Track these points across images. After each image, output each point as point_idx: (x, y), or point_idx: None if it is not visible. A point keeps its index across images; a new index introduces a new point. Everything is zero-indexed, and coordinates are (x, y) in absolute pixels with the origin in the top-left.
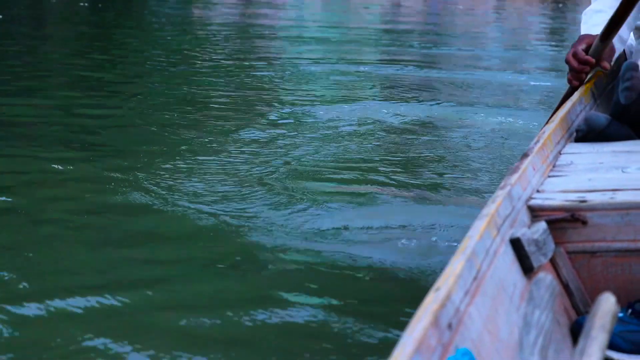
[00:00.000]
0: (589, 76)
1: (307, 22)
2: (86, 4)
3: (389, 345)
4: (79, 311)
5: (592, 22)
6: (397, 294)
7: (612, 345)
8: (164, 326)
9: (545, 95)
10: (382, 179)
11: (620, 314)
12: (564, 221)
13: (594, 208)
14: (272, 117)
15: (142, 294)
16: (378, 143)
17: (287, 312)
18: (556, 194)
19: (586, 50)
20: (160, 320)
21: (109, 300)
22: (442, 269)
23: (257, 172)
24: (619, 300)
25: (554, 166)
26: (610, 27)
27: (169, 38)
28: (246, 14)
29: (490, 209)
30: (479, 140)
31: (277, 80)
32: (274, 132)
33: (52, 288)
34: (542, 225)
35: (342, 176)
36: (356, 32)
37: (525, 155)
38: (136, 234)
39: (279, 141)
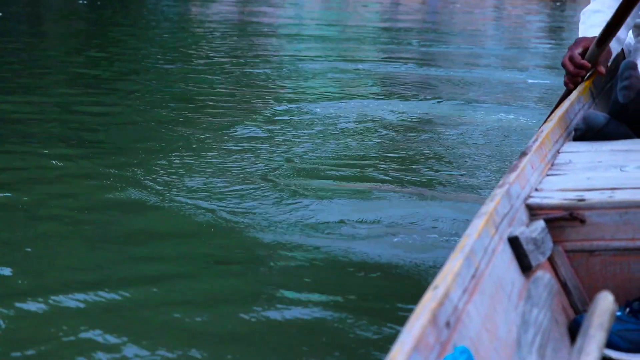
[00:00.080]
0: (587, 75)
1: (306, 20)
2: (85, 2)
3: (388, 341)
4: (78, 307)
5: (590, 22)
6: (395, 290)
7: (610, 343)
8: (162, 322)
9: (544, 93)
10: (380, 175)
11: (619, 313)
12: (563, 220)
13: (592, 207)
14: (270, 114)
15: (141, 290)
16: (376, 140)
17: (285, 308)
18: (554, 192)
19: (582, 54)
20: (159, 316)
21: (107, 296)
22: (440, 266)
23: (256, 168)
24: (617, 299)
25: (552, 165)
26: (607, 33)
27: (166, 36)
28: (245, 11)
29: (488, 207)
30: (478, 137)
31: (275, 77)
32: (273, 129)
33: (50, 284)
34: (540, 223)
35: (340, 173)
36: (355, 30)
37: (523, 154)
38: (134, 231)
39: (278, 138)
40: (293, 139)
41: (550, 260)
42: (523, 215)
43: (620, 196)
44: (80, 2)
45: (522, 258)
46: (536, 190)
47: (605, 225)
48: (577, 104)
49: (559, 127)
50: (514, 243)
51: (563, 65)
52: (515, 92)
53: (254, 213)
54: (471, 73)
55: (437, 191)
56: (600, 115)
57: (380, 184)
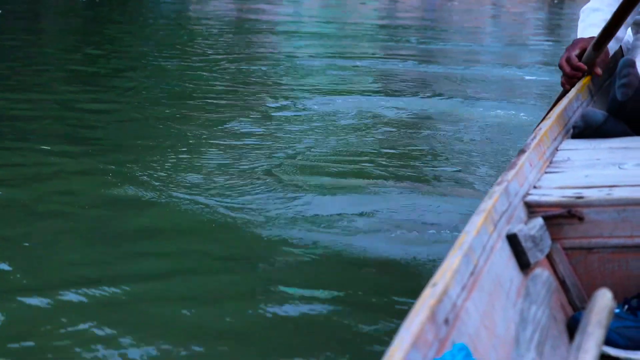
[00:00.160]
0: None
1: (304, 17)
2: None
3: (387, 336)
4: (77, 302)
5: (589, 21)
6: (394, 285)
7: (609, 341)
8: (162, 317)
9: (543, 90)
10: (378, 172)
11: (617, 310)
12: (561, 217)
13: (590, 204)
14: (268, 111)
15: (141, 286)
16: (375, 137)
17: (283, 303)
18: (553, 190)
19: (580, 55)
20: (159, 312)
21: (106, 292)
22: (439, 262)
23: (255, 165)
24: (616, 296)
25: (550, 162)
26: (604, 37)
27: (162, 33)
28: (243, 9)
29: (487, 204)
30: (476, 134)
31: (273, 74)
32: (271, 126)
33: (49, 280)
34: (538, 221)
35: (339, 169)
36: (353, 28)
37: (522, 152)
38: (133, 226)
39: (276, 135)
40: (291, 136)
41: (549, 257)
42: (521, 212)
43: (618, 194)
44: None
45: (521, 255)
46: (534, 187)
47: (603, 223)
48: (576, 101)
49: (558, 125)
50: (513, 240)
51: (560, 66)
52: (514, 89)
53: (253, 209)
54: (470, 70)
55: (436, 187)
56: (598, 113)
57: (378, 180)
